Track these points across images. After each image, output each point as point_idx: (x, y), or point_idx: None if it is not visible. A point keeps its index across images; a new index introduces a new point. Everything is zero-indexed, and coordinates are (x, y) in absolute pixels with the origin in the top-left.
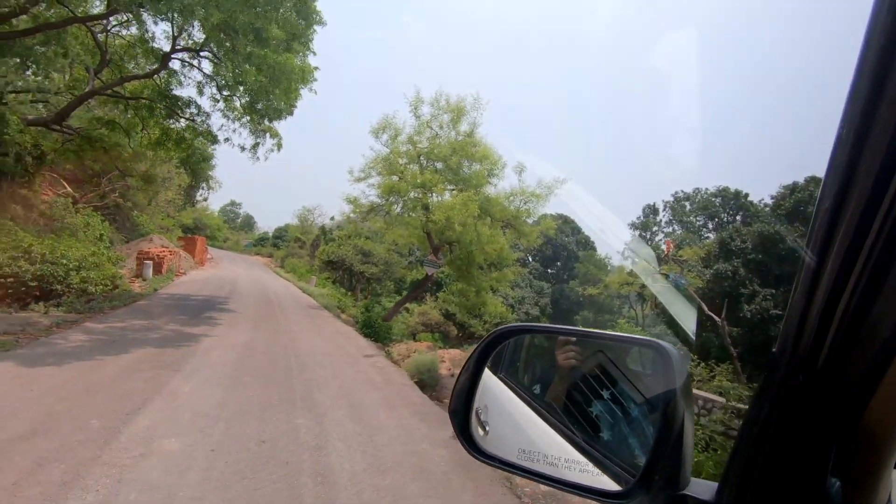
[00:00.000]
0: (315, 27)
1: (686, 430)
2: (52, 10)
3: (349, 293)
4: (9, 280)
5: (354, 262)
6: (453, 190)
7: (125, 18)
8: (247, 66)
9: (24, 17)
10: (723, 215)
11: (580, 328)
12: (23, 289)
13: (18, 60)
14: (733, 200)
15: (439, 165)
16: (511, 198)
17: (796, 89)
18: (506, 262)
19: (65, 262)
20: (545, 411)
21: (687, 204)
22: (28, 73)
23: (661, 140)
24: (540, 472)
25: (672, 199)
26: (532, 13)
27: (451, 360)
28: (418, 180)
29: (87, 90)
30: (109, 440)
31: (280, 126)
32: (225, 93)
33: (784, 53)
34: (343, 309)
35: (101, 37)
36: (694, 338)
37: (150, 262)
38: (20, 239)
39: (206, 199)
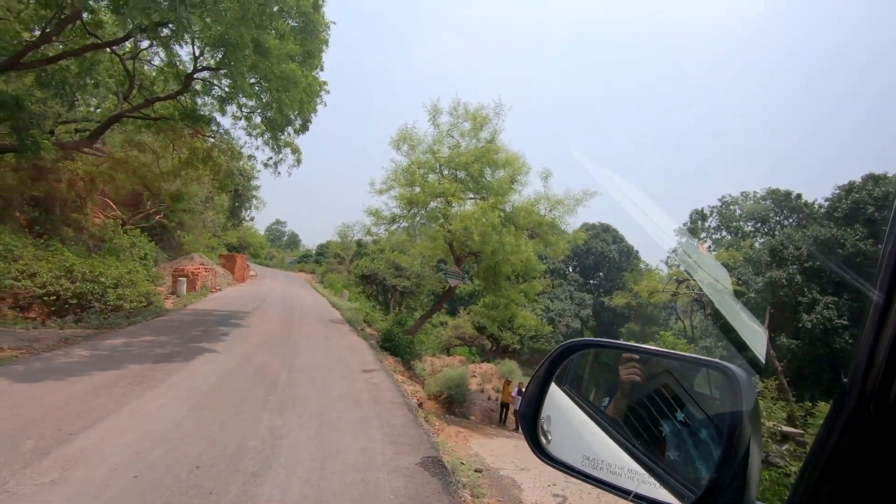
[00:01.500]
0: (325, 41)
1: (752, 453)
2: (75, 37)
3: (381, 307)
4: (51, 297)
5: (387, 275)
6: (475, 199)
7: (148, 44)
8: (244, 76)
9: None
10: (775, 219)
11: (647, 346)
12: (65, 306)
13: (54, 92)
14: (784, 202)
15: (461, 175)
16: (535, 205)
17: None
18: (533, 272)
19: (103, 280)
20: (608, 424)
21: (736, 208)
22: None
23: (706, 143)
24: (604, 479)
25: (720, 203)
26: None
27: (481, 375)
28: (438, 190)
29: (114, 113)
30: (30, 463)
31: (324, 147)
32: (245, 110)
33: (846, 51)
34: (370, 323)
35: (129, 63)
36: (764, 360)
37: (184, 279)
38: (64, 259)
39: (252, 219)
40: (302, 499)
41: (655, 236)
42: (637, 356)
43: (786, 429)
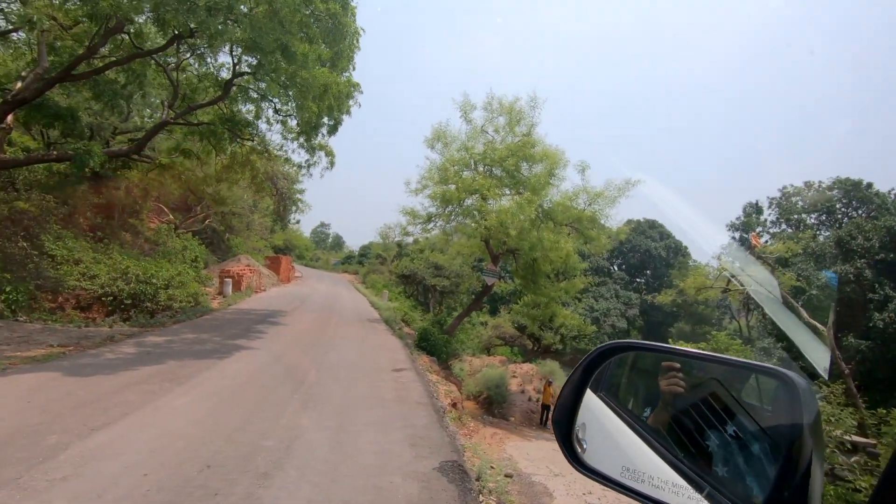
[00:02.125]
0: (355, 42)
1: (814, 472)
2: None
3: (421, 307)
4: (108, 298)
5: (426, 275)
6: (511, 194)
7: (190, 53)
8: (270, 81)
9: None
10: (842, 210)
11: (690, 349)
12: (121, 305)
13: (106, 103)
14: (853, 191)
15: (497, 171)
16: (574, 199)
17: None
18: (574, 269)
19: (154, 281)
20: (648, 434)
21: (797, 199)
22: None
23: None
24: (645, 492)
25: (779, 194)
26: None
27: (522, 376)
28: (472, 186)
29: (160, 121)
30: (48, 458)
31: (368, 150)
32: (280, 115)
33: None
34: (408, 322)
35: (173, 74)
36: (827, 364)
37: (229, 280)
38: (120, 261)
39: (297, 222)
40: None
41: (701, 242)
42: (678, 364)
43: (855, 438)
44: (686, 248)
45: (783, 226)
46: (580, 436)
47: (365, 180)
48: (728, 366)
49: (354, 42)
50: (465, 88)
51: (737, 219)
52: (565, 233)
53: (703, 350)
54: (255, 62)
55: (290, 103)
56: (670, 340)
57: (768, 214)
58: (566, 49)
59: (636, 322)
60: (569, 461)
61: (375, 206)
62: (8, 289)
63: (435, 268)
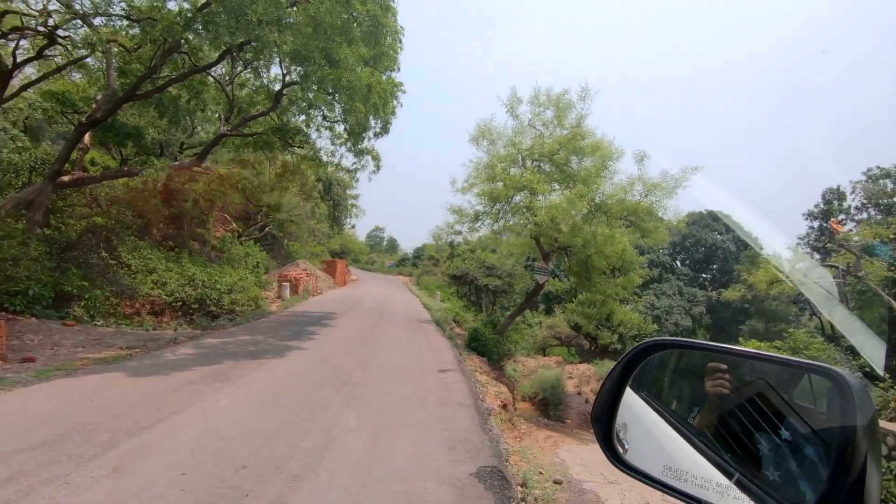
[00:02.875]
0: (399, 45)
1: (869, 476)
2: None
3: (474, 307)
4: (178, 303)
5: (478, 275)
6: (561, 189)
7: (244, 67)
8: (317, 90)
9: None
10: None
11: (735, 347)
12: (189, 310)
13: (170, 119)
14: None
15: (547, 167)
16: (629, 190)
17: None
18: (630, 265)
19: (218, 286)
20: (693, 436)
21: (887, 182)
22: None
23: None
24: (689, 492)
25: (865, 177)
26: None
27: (579, 377)
28: (520, 182)
29: (217, 134)
30: (97, 456)
31: (420, 153)
32: (327, 122)
33: None
34: (459, 323)
35: (228, 88)
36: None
37: (287, 284)
38: (188, 269)
39: (352, 227)
40: None
41: (766, 246)
42: (725, 365)
43: None
44: (756, 238)
45: (871, 211)
46: (621, 436)
47: (417, 182)
48: (776, 364)
49: (397, 42)
50: (511, 84)
51: (815, 206)
52: (620, 226)
53: (749, 349)
54: (302, 72)
55: (335, 108)
56: (741, 339)
57: (852, 200)
58: (620, 36)
59: (702, 320)
60: (609, 459)
61: (428, 208)
62: (87, 296)
63: (486, 267)
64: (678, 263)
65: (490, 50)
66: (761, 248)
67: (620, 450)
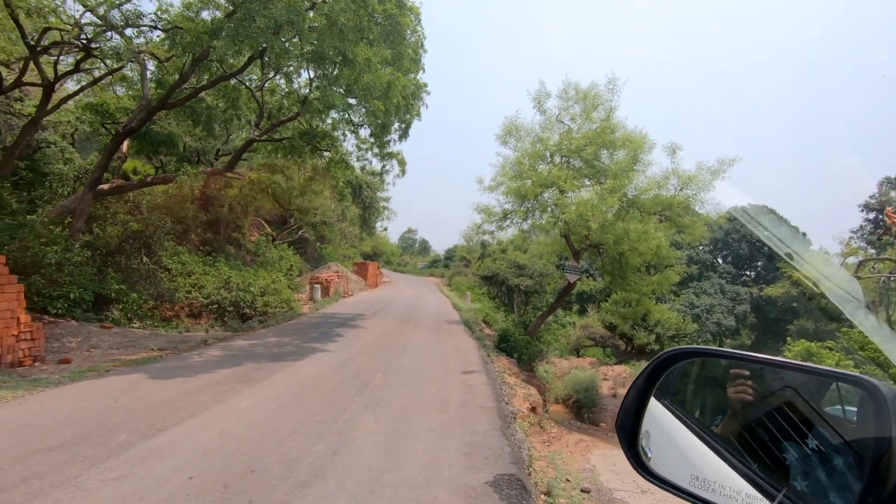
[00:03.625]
0: (422, 47)
1: None
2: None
3: (506, 308)
4: (213, 306)
5: (508, 275)
6: (591, 185)
7: (274, 72)
8: (332, 90)
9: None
10: None
11: (760, 355)
12: (225, 312)
13: (204, 127)
14: None
15: (577, 163)
16: (664, 184)
17: None
18: (666, 261)
19: (252, 289)
20: (719, 445)
21: None
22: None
23: None
24: (717, 502)
25: None
26: None
27: (614, 378)
28: (548, 179)
29: (248, 139)
30: (110, 458)
31: (452, 156)
32: (351, 126)
33: None
34: (489, 323)
35: (258, 95)
36: None
37: (318, 286)
38: (223, 272)
39: (385, 229)
40: None
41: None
42: (747, 372)
43: None
44: (804, 233)
45: None
46: (644, 444)
47: (450, 184)
48: (804, 373)
49: (420, 44)
50: (540, 78)
51: (871, 197)
52: (654, 222)
53: (777, 358)
54: (319, 72)
55: (356, 110)
56: (789, 340)
57: None
58: (653, 25)
59: (747, 319)
60: (634, 467)
61: (460, 210)
62: (125, 299)
63: (517, 267)
64: (720, 261)
65: (518, 50)
66: (811, 245)
67: (645, 458)
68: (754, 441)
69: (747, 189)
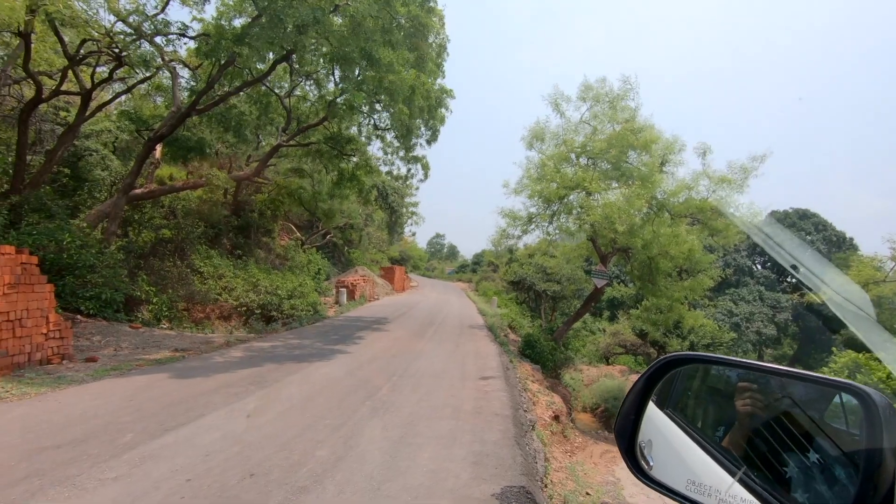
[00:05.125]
0: (445, 51)
1: None
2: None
3: (533, 313)
4: (242, 308)
5: (535, 280)
6: (618, 187)
7: (301, 79)
8: (356, 92)
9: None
10: None
11: (757, 362)
12: (253, 315)
13: (232, 133)
14: None
15: (604, 166)
16: (694, 186)
17: None
18: (699, 265)
19: (280, 292)
20: (719, 453)
21: None
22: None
23: None
24: None
25: None
26: None
27: None
28: (573, 182)
29: (275, 144)
30: (114, 457)
31: (479, 161)
32: (379, 130)
33: None
34: (515, 329)
35: (286, 101)
36: None
37: (344, 290)
38: (252, 275)
39: (413, 234)
40: None
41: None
42: (756, 385)
43: None
44: (851, 238)
45: None
46: (646, 453)
47: (478, 188)
48: (803, 381)
49: (443, 48)
50: (569, 80)
51: None
52: (685, 224)
53: (774, 365)
54: (341, 74)
55: (380, 112)
56: (834, 350)
57: None
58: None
59: (788, 328)
60: (632, 471)
61: (489, 215)
62: (154, 300)
63: (544, 272)
64: (758, 266)
65: (546, 49)
66: (858, 251)
67: (645, 466)
68: (753, 450)
69: (796, 191)
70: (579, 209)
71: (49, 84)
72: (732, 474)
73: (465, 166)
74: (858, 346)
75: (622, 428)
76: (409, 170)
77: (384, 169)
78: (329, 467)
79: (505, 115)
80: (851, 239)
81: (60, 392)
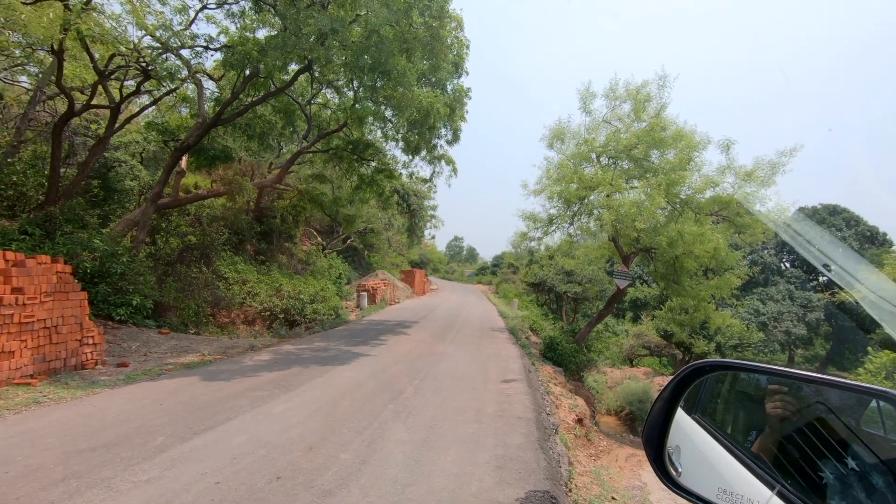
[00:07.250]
0: (465, 53)
1: None
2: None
3: (554, 315)
4: (266, 312)
5: (556, 282)
6: (640, 186)
7: (321, 87)
8: (368, 103)
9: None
10: None
11: (790, 369)
12: (276, 319)
13: (257, 142)
14: None
15: (625, 164)
16: (719, 182)
17: None
18: (725, 264)
19: (302, 297)
20: (750, 460)
21: None
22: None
23: None
24: None
25: None
26: None
27: None
28: (593, 181)
29: (296, 151)
30: (146, 459)
31: (497, 163)
32: (399, 135)
33: None
34: (536, 331)
35: (307, 108)
36: None
37: (365, 294)
38: (275, 280)
39: (432, 238)
40: None
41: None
42: (786, 388)
43: None
44: (885, 233)
45: None
46: (674, 459)
47: (498, 190)
48: (836, 388)
49: (463, 48)
50: (584, 79)
51: None
52: (710, 222)
53: (809, 373)
54: (359, 85)
55: (392, 125)
56: (870, 350)
57: None
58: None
59: (820, 328)
60: (661, 479)
61: (508, 217)
62: (182, 306)
63: (566, 274)
64: (787, 264)
65: (570, 47)
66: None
67: (674, 472)
68: (786, 457)
69: (827, 185)
70: (599, 209)
71: (80, 98)
72: (766, 483)
73: (484, 168)
74: (895, 346)
75: (650, 436)
76: (433, 169)
77: (405, 172)
78: (354, 471)
79: (527, 115)
80: (885, 234)
81: (95, 396)
